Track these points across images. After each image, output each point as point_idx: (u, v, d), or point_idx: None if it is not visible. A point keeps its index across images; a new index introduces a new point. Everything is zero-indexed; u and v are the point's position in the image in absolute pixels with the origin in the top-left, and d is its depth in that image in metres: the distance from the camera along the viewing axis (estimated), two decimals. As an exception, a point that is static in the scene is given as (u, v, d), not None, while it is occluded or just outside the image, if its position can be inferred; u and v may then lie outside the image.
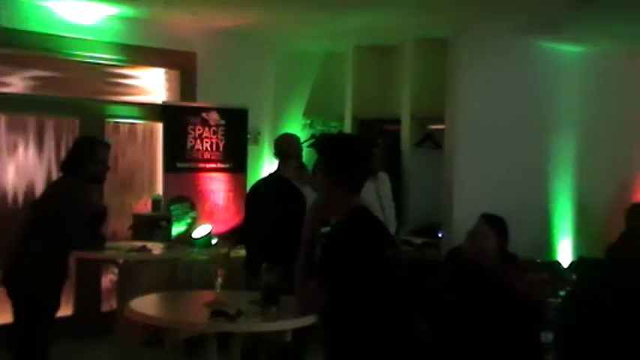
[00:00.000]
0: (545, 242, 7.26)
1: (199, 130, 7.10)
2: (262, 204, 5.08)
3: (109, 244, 5.32)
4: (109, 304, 6.77)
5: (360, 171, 3.15)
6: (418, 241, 6.84)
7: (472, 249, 4.41)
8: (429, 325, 4.08)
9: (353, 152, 3.16)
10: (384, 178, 6.47)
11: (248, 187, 6.14)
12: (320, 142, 3.28)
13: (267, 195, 5.08)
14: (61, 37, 6.42)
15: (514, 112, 7.00)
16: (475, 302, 4.08)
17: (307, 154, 5.54)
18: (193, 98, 7.25)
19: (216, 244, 6.79)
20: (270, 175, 5.32)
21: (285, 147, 5.20)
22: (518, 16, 6.22)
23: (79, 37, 6.50)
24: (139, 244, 5.52)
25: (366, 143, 3.31)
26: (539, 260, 6.05)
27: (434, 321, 4.13)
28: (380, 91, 7.83)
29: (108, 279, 6.80)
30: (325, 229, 3.26)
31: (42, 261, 4.55)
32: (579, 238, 7.44)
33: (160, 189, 7.00)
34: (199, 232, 6.96)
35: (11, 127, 6.39)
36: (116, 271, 5.72)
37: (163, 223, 6.54)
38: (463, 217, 6.31)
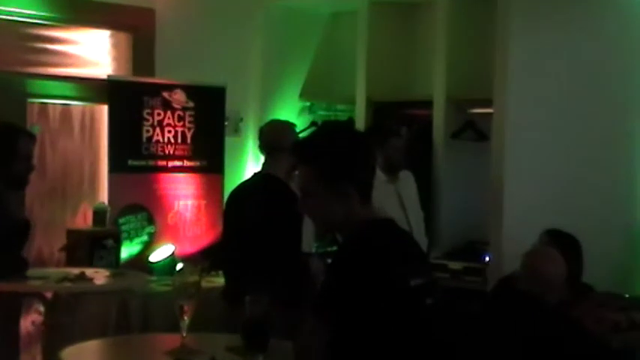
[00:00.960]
0: (636, 271, 7.22)
1: (159, 115, 7.09)
2: (245, 212, 5.09)
3: (32, 271, 5.32)
4: (29, 356, 6.71)
5: (363, 168, 3.15)
6: (456, 266, 6.86)
7: (530, 277, 4.43)
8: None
9: (344, 146, 3.16)
10: (407, 178, 6.47)
11: (226, 192, 6.13)
12: (300, 148, 3.28)
13: (252, 200, 5.09)
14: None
15: (587, 89, 6.94)
16: (531, 347, 4.09)
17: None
18: (151, 72, 7.28)
19: (182, 269, 6.74)
20: (255, 174, 5.33)
21: (275, 136, 5.24)
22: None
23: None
24: (76, 270, 5.52)
25: (357, 131, 3.35)
26: (627, 295, 6.00)
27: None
28: (404, 64, 7.84)
29: (30, 320, 6.75)
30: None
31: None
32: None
33: (104, 196, 6.98)
34: (159, 253, 6.97)
35: None
36: (42, 308, 5.69)
37: (109, 242, 6.55)
38: (517, 235, 6.28)
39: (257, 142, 5.49)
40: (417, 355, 3.03)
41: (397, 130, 6.50)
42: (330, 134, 3.33)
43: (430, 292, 3.09)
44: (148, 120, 7.04)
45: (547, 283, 4.41)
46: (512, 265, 5.10)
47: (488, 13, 6.78)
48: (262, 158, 5.32)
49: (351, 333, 2.98)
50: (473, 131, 7.20)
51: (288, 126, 5.51)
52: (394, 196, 6.28)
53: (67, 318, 5.44)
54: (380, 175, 5.90)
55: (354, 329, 2.97)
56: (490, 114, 6.82)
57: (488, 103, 6.79)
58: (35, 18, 6.78)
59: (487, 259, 6.74)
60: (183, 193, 7.23)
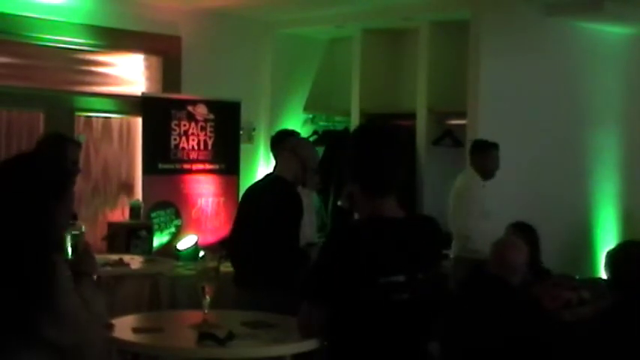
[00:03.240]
0: (585, 256, 7.22)
1: (185, 125, 7.10)
2: (251, 208, 5.09)
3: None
4: (78, 327, 6.73)
5: (365, 170, 3.02)
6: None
7: (498, 263, 4.40)
8: (445, 349, 4.07)
9: (361, 143, 3.07)
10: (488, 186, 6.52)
11: (241, 191, 6.13)
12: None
13: (259, 198, 5.09)
14: (24, 17, 6.39)
15: (547, 104, 6.96)
16: (496, 324, 4.07)
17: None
18: (178, 89, 7.26)
19: (203, 256, 6.71)
20: (267, 175, 5.34)
21: (294, 145, 5.20)
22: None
23: (44, 17, 6.48)
24: (115, 257, 5.49)
25: (394, 136, 3.09)
26: (577, 277, 6.01)
27: (450, 343, 4.11)
28: (392, 82, 7.82)
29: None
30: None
31: None
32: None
33: (139, 194, 6.99)
34: (185, 243, 6.97)
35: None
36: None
37: (143, 232, 6.56)
38: (488, 227, 6.29)
39: (268, 149, 5.48)
40: (379, 344, 2.97)
41: (496, 144, 6.39)
42: (349, 141, 3.23)
43: (406, 288, 2.94)
44: (175, 130, 7.06)
45: (512, 267, 4.38)
46: (483, 252, 5.11)
47: (462, 40, 6.79)
48: (272, 161, 5.32)
49: (330, 315, 2.99)
50: (450, 139, 7.19)
51: (306, 141, 5.52)
52: (483, 199, 6.35)
53: (108, 296, 5.44)
54: (479, 179, 6.21)
55: (331, 312, 2.98)
56: (465, 124, 6.83)
57: (463, 115, 6.80)
58: (81, 45, 6.78)
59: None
60: (204, 191, 7.23)
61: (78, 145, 5.21)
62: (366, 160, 3.01)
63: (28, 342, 2.54)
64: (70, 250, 3.10)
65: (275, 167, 5.22)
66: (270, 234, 4.87)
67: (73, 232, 3.22)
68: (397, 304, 2.94)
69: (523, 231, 5.28)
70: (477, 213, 6.13)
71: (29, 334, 2.53)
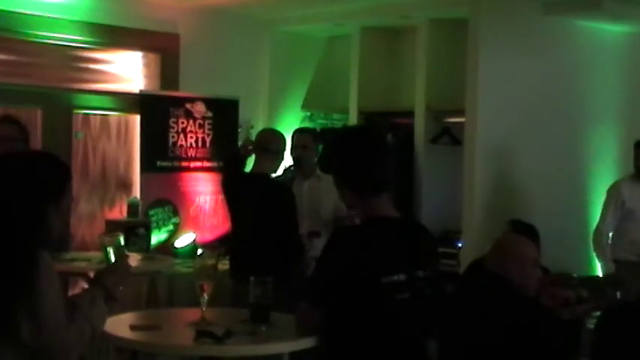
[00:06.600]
0: (584, 255, 7.22)
1: (183, 123, 7.10)
2: (248, 204, 5.15)
3: (77, 254, 5.29)
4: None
5: (354, 171, 3.06)
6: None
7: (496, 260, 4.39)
8: (442, 345, 4.07)
9: (346, 145, 3.12)
10: None
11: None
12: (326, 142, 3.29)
13: (253, 194, 5.14)
14: (22, 14, 6.39)
15: (546, 103, 6.96)
16: (496, 318, 4.07)
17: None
18: (176, 87, 7.27)
19: (201, 254, 6.72)
20: (247, 173, 5.38)
21: (264, 141, 5.31)
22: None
23: (42, 14, 6.47)
24: (113, 254, 5.50)
25: (376, 135, 3.22)
26: (575, 275, 6.01)
27: (448, 341, 4.11)
28: (390, 80, 7.81)
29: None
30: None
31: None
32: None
33: (137, 191, 7.00)
34: (183, 240, 6.97)
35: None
36: (86, 285, 5.69)
37: (141, 230, 6.56)
38: (485, 224, 6.29)
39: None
40: (381, 343, 2.99)
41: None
42: (333, 142, 3.30)
43: (407, 287, 2.99)
44: (173, 127, 7.06)
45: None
46: (481, 250, 5.10)
47: (461, 38, 6.78)
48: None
49: (329, 316, 3.01)
50: (448, 137, 7.18)
51: (276, 133, 5.53)
52: None
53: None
54: (630, 178, 6.29)
55: (330, 313, 3.00)
56: (463, 122, 6.83)
57: (461, 113, 6.80)
58: (79, 42, 6.78)
59: (460, 245, 6.76)
60: (202, 189, 7.23)
61: (12, 121, 5.05)
62: (352, 163, 3.05)
63: (8, 338, 2.53)
64: (111, 258, 3.16)
65: (254, 164, 5.29)
66: (271, 226, 4.92)
67: (117, 245, 3.27)
68: (399, 303, 2.98)
69: (522, 228, 5.26)
70: (618, 213, 6.42)
71: (8, 331, 2.52)
